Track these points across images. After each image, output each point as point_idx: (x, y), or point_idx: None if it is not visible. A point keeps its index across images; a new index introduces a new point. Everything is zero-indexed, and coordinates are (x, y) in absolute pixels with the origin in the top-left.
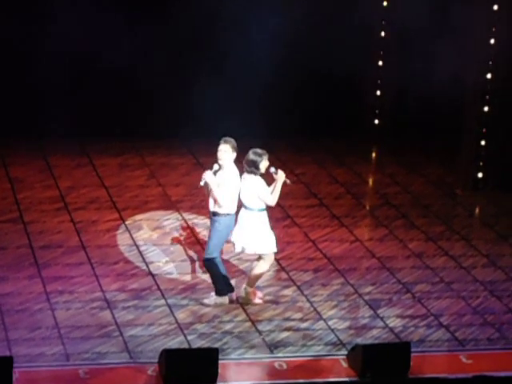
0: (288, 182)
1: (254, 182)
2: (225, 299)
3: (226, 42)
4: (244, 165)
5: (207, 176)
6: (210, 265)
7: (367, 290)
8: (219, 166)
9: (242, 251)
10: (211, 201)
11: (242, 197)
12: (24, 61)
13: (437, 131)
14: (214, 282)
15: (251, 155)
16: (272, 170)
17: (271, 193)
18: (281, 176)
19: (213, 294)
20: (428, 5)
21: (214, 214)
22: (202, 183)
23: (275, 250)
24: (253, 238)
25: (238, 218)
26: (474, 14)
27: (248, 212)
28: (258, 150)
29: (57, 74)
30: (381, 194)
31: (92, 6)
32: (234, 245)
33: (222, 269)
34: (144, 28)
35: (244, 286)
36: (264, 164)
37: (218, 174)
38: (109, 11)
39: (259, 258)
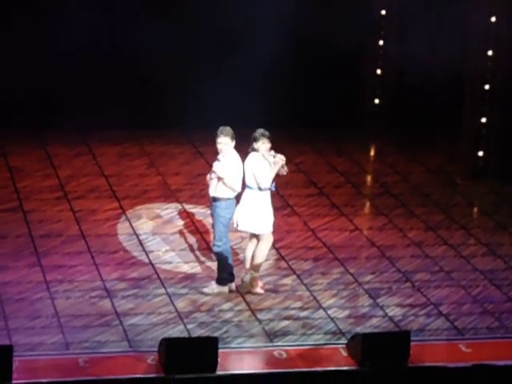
0: (284, 169)
1: (253, 160)
2: (224, 288)
3: (226, 30)
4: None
5: (217, 169)
6: (220, 252)
7: (367, 278)
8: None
9: (237, 227)
10: (212, 186)
11: (245, 175)
12: (23, 51)
13: (437, 120)
14: (219, 270)
15: (254, 133)
16: (271, 153)
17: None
18: (278, 161)
19: (213, 282)
20: None
21: (215, 199)
22: (213, 176)
23: (271, 230)
24: (248, 216)
25: (242, 196)
26: None
27: (247, 190)
28: (261, 130)
29: (56, 64)
30: (380, 182)
31: None
32: (234, 221)
33: (230, 257)
34: (143, 17)
35: (244, 273)
36: (262, 145)
37: (223, 163)
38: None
39: (258, 240)
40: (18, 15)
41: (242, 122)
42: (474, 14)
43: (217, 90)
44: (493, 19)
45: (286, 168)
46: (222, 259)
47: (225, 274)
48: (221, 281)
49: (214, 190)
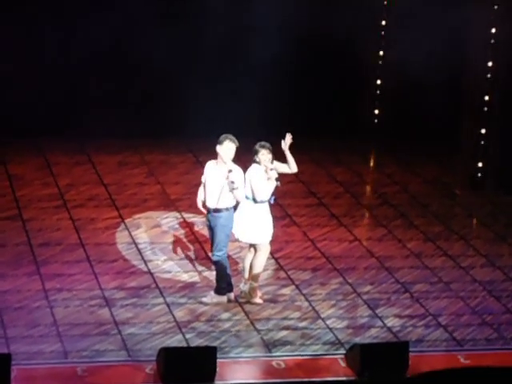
0: (277, 183)
1: (252, 172)
2: (223, 298)
3: (225, 38)
4: None
5: (236, 178)
6: (219, 262)
7: (366, 289)
8: (228, 164)
9: (238, 240)
10: (212, 198)
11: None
12: (23, 59)
13: (436, 131)
14: (217, 280)
15: (255, 146)
16: (272, 165)
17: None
18: (271, 176)
19: (212, 292)
20: None
21: (216, 210)
22: (235, 186)
23: (268, 240)
24: (246, 227)
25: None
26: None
27: (246, 201)
28: (261, 142)
29: (56, 72)
30: (379, 193)
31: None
32: (233, 234)
33: (228, 267)
34: (144, 27)
35: (242, 283)
36: (262, 156)
37: (237, 173)
38: (110, 11)
39: (255, 250)
40: (16, 20)
41: (241, 132)
42: (474, 25)
43: (216, 99)
44: (493, 30)
45: (278, 182)
46: (220, 269)
47: (223, 284)
48: (219, 290)
49: (217, 201)
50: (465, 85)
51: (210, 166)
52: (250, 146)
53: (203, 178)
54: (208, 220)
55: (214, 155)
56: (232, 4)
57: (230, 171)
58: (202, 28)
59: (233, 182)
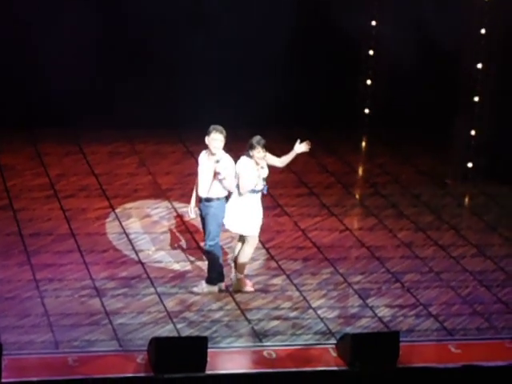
0: (264, 188)
1: (242, 164)
2: (214, 288)
3: (216, 28)
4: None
5: (222, 168)
6: (211, 251)
7: (356, 279)
8: (216, 155)
9: (228, 229)
10: (203, 187)
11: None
12: (14, 49)
13: (428, 121)
14: (209, 270)
15: (251, 140)
16: (263, 160)
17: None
18: (262, 173)
19: (203, 282)
20: None
21: (208, 199)
22: (220, 177)
23: (257, 232)
24: (235, 217)
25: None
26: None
27: (236, 191)
28: (257, 138)
29: (47, 62)
30: (371, 183)
31: None
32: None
33: (220, 257)
34: (136, 17)
35: (233, 273)
36: (258, 154)
37: (225, 164)
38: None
39: (243, 241)
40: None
41: (232, 122)
42: (464, 25)
43: (208, 90)
44: (482, 31)
45: (265, 187)
46: (212, 259)
47: (215, 274)
48: (211, 280)
49: (208, 190)
50: (457, 73)
51: (202, 156)
52: (240, 137)
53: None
54: (200, 209)
55: (204, 145)
56: None
57: (217, 161)
58: (195, 18)
59: (219, 173)
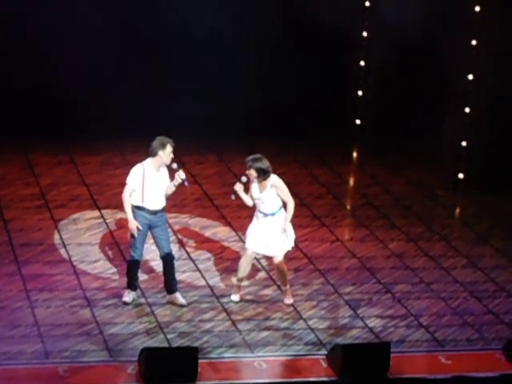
0: (186, 183)
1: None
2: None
3: (205, 37)
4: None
5: (183, 174)
6: (172, 260)
7: (347, 289)
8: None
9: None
10: (159, 198)
11: None
12: (8, 59)
13: (418, 132)
14: (174, 278)
15: (250, 159)
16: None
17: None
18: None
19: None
20: None
21: (161, 210)
22: (186, 184)
23: (251, 245)
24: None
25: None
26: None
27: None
28: (257, 159)
29: (39, 72)
30: (362, 194)
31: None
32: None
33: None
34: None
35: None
36: (251, 176)
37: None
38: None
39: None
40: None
41: (225, 133)
42: (455, 38)
43: (201, 101)
44: (473, 42)
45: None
46: (173, 266)
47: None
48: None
49: (162, 202)
50: (448, 84)
51: (146, 169)
52: (232, 148)
53: (133, 182)
54: (149, 221)
55: (196, 156)
56: None
57: (178, 170)
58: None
59: (186, 179)
